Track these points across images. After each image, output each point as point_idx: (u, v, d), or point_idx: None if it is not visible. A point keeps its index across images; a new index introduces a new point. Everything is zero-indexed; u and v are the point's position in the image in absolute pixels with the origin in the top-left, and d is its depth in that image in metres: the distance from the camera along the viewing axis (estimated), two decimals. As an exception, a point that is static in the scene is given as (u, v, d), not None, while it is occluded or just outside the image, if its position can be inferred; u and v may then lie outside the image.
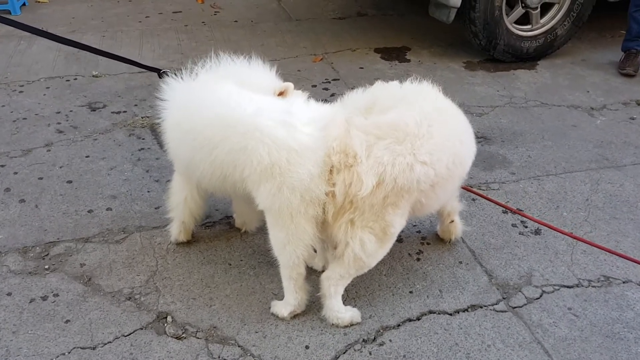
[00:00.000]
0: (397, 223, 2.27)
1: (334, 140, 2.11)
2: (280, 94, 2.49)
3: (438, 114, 2.26)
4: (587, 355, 2.32)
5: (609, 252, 2.69)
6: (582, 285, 2.67)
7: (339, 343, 2.32)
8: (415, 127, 2.16)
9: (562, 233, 2.83)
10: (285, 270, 2.33)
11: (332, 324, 2.39)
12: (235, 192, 2.30)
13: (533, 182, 3.40)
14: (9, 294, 2.46)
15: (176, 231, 2.69)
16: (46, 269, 2.60)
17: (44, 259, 2.65)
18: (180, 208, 2.60)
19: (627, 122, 4.11)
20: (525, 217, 2.93)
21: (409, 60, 4.90)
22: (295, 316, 2.41)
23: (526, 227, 3.02)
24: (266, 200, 2.16)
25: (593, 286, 2.67)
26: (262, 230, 2.83)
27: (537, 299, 2.59)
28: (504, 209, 3.09)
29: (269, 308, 2.45)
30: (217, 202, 2.98)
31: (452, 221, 2.75)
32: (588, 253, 2.85)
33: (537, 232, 2.99)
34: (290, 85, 2.51)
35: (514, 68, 4.84)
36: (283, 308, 2.40)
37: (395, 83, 2.54)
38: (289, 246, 2.23)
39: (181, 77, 2.41)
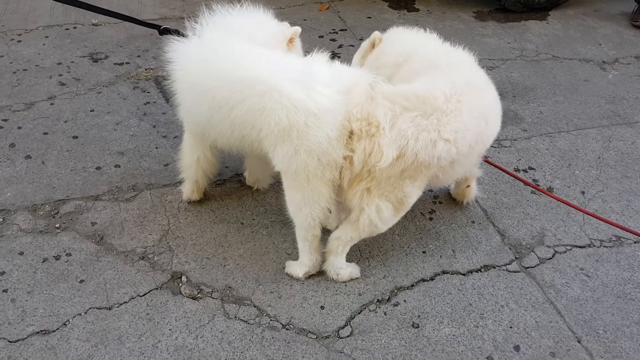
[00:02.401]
0: (414, 194, 2.27)
1: (355, 106, 2.05)
2: (290, 40, 2.44)
3: (468, 89, 2.18)
4: (599, 316, 2.34)
5: (622, 229, 2.66)
6: (594, 246, 2.68)
7: (353, 303, 2.34)
8: (443, 102, 2.10)
9: (580, 210, 2.77)
10: (300, 232, 2.32)
11: (331, 279, 2.41)
12: (252, 152, 2.26)
13: (545, 139, 3.36)
14: (21, 254, 2.44)
15: (189, 190, 2.66)
16: (57, 228, 2.57)
17: (54, 217, 2.63)
18: (193, 168, 2.55)
19: (639, 77, 4.03)
20: (556, 199, 2.79)
21: (417, 10, 4.76)
22: (309, 276, 2.42)
23: (538, 185, 3.01)
24: (283, 162, 2.12)
25: (605, 246, 2.68)
26: (274, 188, 2.83)
27: (549, 259, 2.60)
28: (519, 179, 3.06)
29: (283, 268, 2.45)
30: (227, 159, 2.93)
31: (469, 186, 2.72)
32: (600, 212, 2.85)
33: (549, 190, 2.97)
34: (298, 29, 2.47)
35: (525, 19, 4.71)
36: (298, 268, 2.40)
37: (430, 43, 2.45)
38: (305, 208, 2.21)
39: (186, 35, 2.33)
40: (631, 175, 3.11)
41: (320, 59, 2.16)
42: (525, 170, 3.10)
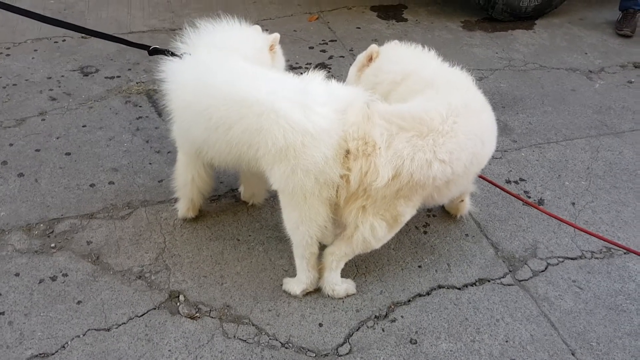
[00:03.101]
0: (408, 213, 2.30)
1: (351, 126, 2.07)
2: (271, 47, 2.50)
3: (465, 110, 2.21)
4: (592, 328, 2.39)
5: (612, 243, 2.73)
6: (585, 257, 2.72)
7: (351, 320, 2.35)
8: (440, 123, 2.13)
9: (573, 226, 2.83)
10: (298, 249, 2.33)
11: (327, 295, 2.42)
12: (250, 170, 2.27)
13: (535, 150, 3.41)
14: (17, 275, 2.43)
15: (184, 208, 2.66)
16: (52, 248, 2.56)
17: (49, 236, 2.61)
18: (188, 187, 2.56)
19: (624, 86, 4.11)
20: (547, 213, 2.86)
21: (406, 20, 4.79)
22: (307, 294, 2.43)
23: (529, 197, 3.05)
24: (280, 181, 2.14)
25: (596, 258, 2.72)
26: (269, 203, 2.84)
27: (542, 271, 2.64)
28: (513, 195, 3.10)
29: (281, 285, 2.46)
30: (222, 175, 2.94)
31: (462, 200, 2.75)
32: (590, 224, 2.90)
33: (540, 202, 3.02)
34: (277, 36, 2.52)
35: (512, 28, 4.77)
36: (295, 286, 2.41)
37: (428, 62, 2.48)
38: (302, 226, 2.23)
39: (176, 54, 2.34)
40: (619, 185, 3.16)
41: (316, 78, 2.18)
42: (516, 182, 3.15)
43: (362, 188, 2.12)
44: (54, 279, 2.43)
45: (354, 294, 2.45)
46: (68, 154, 3.08)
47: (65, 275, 2.44)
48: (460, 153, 2.17)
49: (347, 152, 2.09)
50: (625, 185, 3.17)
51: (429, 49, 2.58)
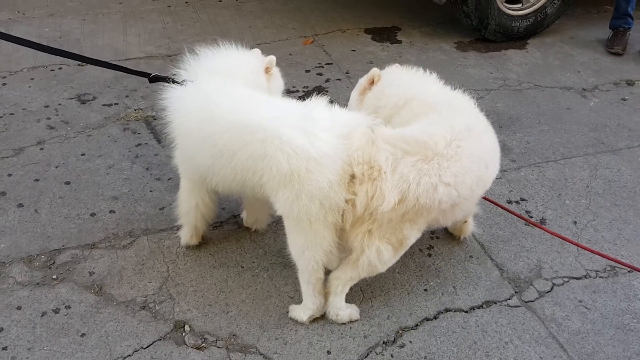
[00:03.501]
0: (413, 236, 2.31)
1: (356, 150, 2.07)
2: (267, 70, 2.51)
3: (468, 133, 2.22)
4: (601, 349, 2.37)
5: (619, 263, 2.74)
6: (590, 277, 2.72)
7: (360, 347, 2.33)
8: (444, 147, 2.14)
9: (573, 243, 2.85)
10: (303, 275, 2.32)
11: (331, 320, 2.40)
12: (254, 195, 2.26)
13: (534, 169, 3.43)
14: (19, 308, 2.39)
15: (187, 235, 2.64)
16: (54, 279, 2.52)
17: (50, 268, 2.58)
18: (192, 214, 2.54)
19: (619, 103, 4.15)
20: (550, 233, 2.87)
21: (400, 42, 4.84)
22: (314, 320, 2.41)
23: (531, 217, 3.06)
24: (284, 206, 2.13)
25: (600, 277, 2.72)
26: (272, 229, 2.83)
27: (548, 292, 2.63)
28: (514, 214, 3.11)
29: (287, 312, 2.44)
30: (224, 201, 2.92)
31: (466, 222, 2.75)
32: (593, 242, 2.91)
33: (542, 221, 3.03)
34: (273, 58, 2.53)
35: (505, 48, 4.83)
36: (302, 312, 2.39)
37: (431, 86, 2.50)
38: (307, 252, 2.21)
39: (177, 81, 2.34)
40: (620, 203, 3.18)
41: (319, 104, 2.18)
42: (517, 202, 3.15)
43: (368, 212, 2.12)
44: (56, 311, 2.39)
45: (357, 320, 2.42)
46: (67, 183, 3.06)
47: (68, 307, 2.41)
48: (464, 176, 2.18)
49: (352, 176, 2.09)
50: (625, 202, 3.18)
51: (430, 72, 2.60)
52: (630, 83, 4.41)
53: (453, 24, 5.09)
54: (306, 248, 2.19)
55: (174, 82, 2.39)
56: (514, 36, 4.87)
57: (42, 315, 2.37)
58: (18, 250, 2.65)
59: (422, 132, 2.17)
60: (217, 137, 2.12)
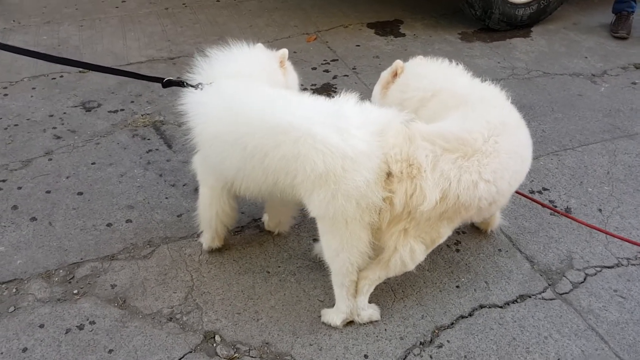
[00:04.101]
0: (447, 234, 2.26)
1: (392, 148, 2.00)
2: (281, 64, 2.45)
3: (504, 129, 2.17)
4: (642, 339, 2.32)
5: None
6: (622, 265, 2.67)
7: (397, 349, 2.26)
8: (482, 143, 2.08)
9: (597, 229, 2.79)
10: (337, 278, 2.25)
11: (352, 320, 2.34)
12: (284, 198, 2.18)
13: (552, 158, 3.37)
14: (42, 326, 2.30)
15: (209, 239, 2.57)
16: (75, 294, 2.44)
17: (70, 282, 2.49)
18: (213, 222, 2.46)
19: (629, 87, 4.11)
20: (578, 221, 2.82)
21: (404, 35, 4.77)
22: (347, 323, 2.34)
23: (555, 206, 3.00)
24: (319, 207, 2.06)
25: (632, 264, 2.67)
26: (294, 231, 2.77)
27: (581, 282, 2.58)
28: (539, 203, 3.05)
29: (319, 317, 2.37)
30: (243, 205, 2.83)
31: (493, 214, 2.69)
32: (620, 229, 2.86)
33: (567, 210, 2.97)
34: (285, 51, 2.46)
35: (509, 37, 4.77)
36: (335, 316, 2.32)
37: (459, 78, 2.43)
38: (342, 253, 2.14)
39: (192, 84, 2.27)
40: (642, 188, 3.13)
41: (350, 100, 2.11)
42: (539, 192, 3.10)
43: (406, 211, 2.05)
44: (81, 327, 2.30)
45: (377, 320, 2.36)
46: (80, 193, 2.97)
47: (92, 322, 2.32)
48: (503, 172, 2.12)
49: (389, 174, 2.02)
50: (648, 187, 3.14)
51: (457, 63, 2.53)
52: (638, 67, 4.37)
53: (455, 15, 5.02)
54: (341, 250, 2.12)
55: (189, 85, 2.31)
56: (517, 24, 4.82)
57: (67, 333, 2.28)
58: (35, 265, 2.56)
59: (460, 129, 2.10)
60: (248, 139, 2.04)
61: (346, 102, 2.08)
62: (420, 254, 2.23)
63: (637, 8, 4.85)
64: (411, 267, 2.27)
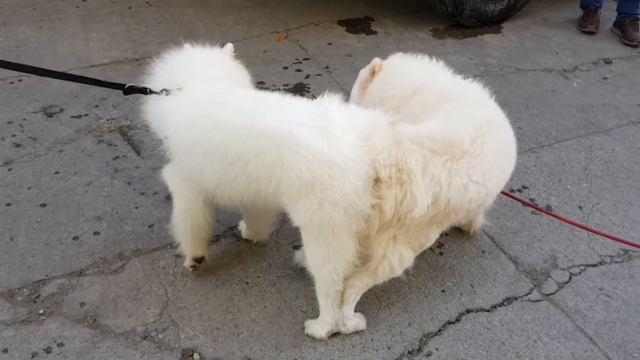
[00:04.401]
0: (434, 238, 2.20)
1: (380, 153, 1.91)
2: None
3: (490, 128, 2.11)
4: (630, 338, 2.30)
5: (633, 245, 2.68)
6: (605, 262, 2.64)
7: (385, 359, 2.18)
8: (470, 144, 2.02)
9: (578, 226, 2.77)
10: (322, 288, 2.15)
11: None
12: (266, 207, 2.07)
13: (530, 155, 3.34)
14: (5, 351, 2.14)
15: (192, 251, 2.39)
16: (42, 314, 2.28)
17: (35, 302, 2.33)
18: (189, 234, 2.32)
19: (601, 82, 4.12)
20: (562, 219, 2.78)
21: (375, 32, 4.69)
22: (332, 334, 2.24)
23: (536, 204, 2.96)
24: (304, 216, 1.96)
25: (615, 262, 2.65)
26: (273, 239, 2.67)
27: (567, 282, 2.54)
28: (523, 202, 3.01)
29: (302, 329, 2.27)
30: (217, 213, 2.68)
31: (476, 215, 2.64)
32: (601, 227, 2.84)
33: (548, 208, 2.94)
34: (230, 45, 2.39)
35: (481, 33, 4.74)
36: (320, 328, 2.22)
37: (441, 75, 2.36)
38: (328, 263, 2.05)
39: (154, 91, 2.14)
40: (620, 184, 3.12)
41: (333, 102, 2.01)
42: (519, 190, 3.06)
43: (396, 217, 1.97)
44: (48, 350, 2.15)
45: (363, 330, 2.27)
46: (43, 205, 2.80)
47: (60, 345, 2.17)
48: (491, 173, 2.06)
49: (376, 180, 1.93)
50: (625, 183, 3.13)
51: (437, 60, 2.46)
52: (608, 61, 4.39)
53: (426, 12, 4.97)
54: (327, 260, 2.02)
55: (152, 92, 2.17)
56: (488, 20, 4.80)
57: (33, 357, 2.13)
58: (-4, 284, 2.39)
59: (446, 129, 2.03)
60: (228, 146, 1.92)
61: (330, 104, 1.98)
62: (409, 260, 2.17)
63: (604, 3, 4.88)
64: (399, 272, 2.20)
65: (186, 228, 2.30)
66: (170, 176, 2.25)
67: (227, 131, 1.93)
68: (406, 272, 2.39)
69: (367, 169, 1.90)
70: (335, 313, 2.19)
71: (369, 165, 1.90)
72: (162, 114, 2.09)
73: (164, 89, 2.15)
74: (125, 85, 2.28)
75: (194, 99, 2.05)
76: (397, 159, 1.90)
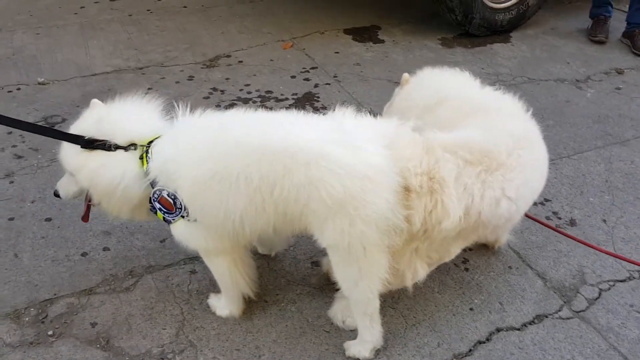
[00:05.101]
0: (456, 253, 2.13)
1: (409, 160, 1.81)
2: None
3: (526, 142, 2.03)
4: (667, 357, 2.20)
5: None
6: (634, 277, 2.56)
7: (416, 382, 2.07)
8: (507, 157, 1.92)
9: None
10: (359, 307, 2.03)
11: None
12: (289, 231, 1.95)
13: (550, 167, 3.16)
14: (13, 375, 2.01)
15: (236, 307, 2.26)
16: (51, 336, 2.15)
17: (43, 322, 2.20)
18: (241, 285, 2.18)
19: (614, 93, 4.06)
20: (582, 242, 2.63)
21: (383, 41, 4.61)
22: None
23: (560, 218, 2.88)
24: (334, 237, 1.83)
25: (644, 277, 2.56)
26: (290, 253, 2.56)
27: (597, 299, 2.44)
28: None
29: (326, 349, 2.16)
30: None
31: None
32: (627, 241, 2.75)
33: (572, 222, 2.85)
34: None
35: (490, 42, 4.68)
36: (362, 348, 2.10)
37: (469, 84, 2.28)
38: (361, 282, 1.93)
39: (125, 148, 1.95)
40: (643, 196, 3.04)
41: (347, 114, 1.91)
42: (542, 204, 2.97)
43: (423, 229, 1.86)
44: (58, 375, 2.02)
45: (380, 346, 2.15)
46: (49, 219, 2.67)
47: (71, 368, 2.05)
48: (525, 189, 1.98)
49: (406, 189, 1.83)
50: (648, 195, 3.05)
51: (463, 71, 2.39)
52: (619, 72, 4.33)
53: (433, 20, 4.91)
54: (360, 279, 1.90)
55: (117, 148, 1.95)
56: (497, 30, 4.73)
57: (43, 382, 2.00)
58: (1, 304, 2.26)
59: (483, 139, 1.93)
60: (252, 170, 1.78)
61: (344, 117, 1.88)
62: (422, 274, 2.08)
63: (613, 13, 4.84)
64: (409, 285, 2.10)
65: (236, 280, 2.15)
66: (192, 235, 2.04)
67: (248, 155, 1.79)
68: (431, 288, 2.33)
69: (397, 179, 1.79)
70: (374, 330, 2.08)
71: (397, 174, 1.79)
72: (163, 169, 1.90)
73: (133, 144, 1.95)
74: (84, 137, 2.00)
75: (198, 131, 1.92)
76: (428, 167, 1.80)
